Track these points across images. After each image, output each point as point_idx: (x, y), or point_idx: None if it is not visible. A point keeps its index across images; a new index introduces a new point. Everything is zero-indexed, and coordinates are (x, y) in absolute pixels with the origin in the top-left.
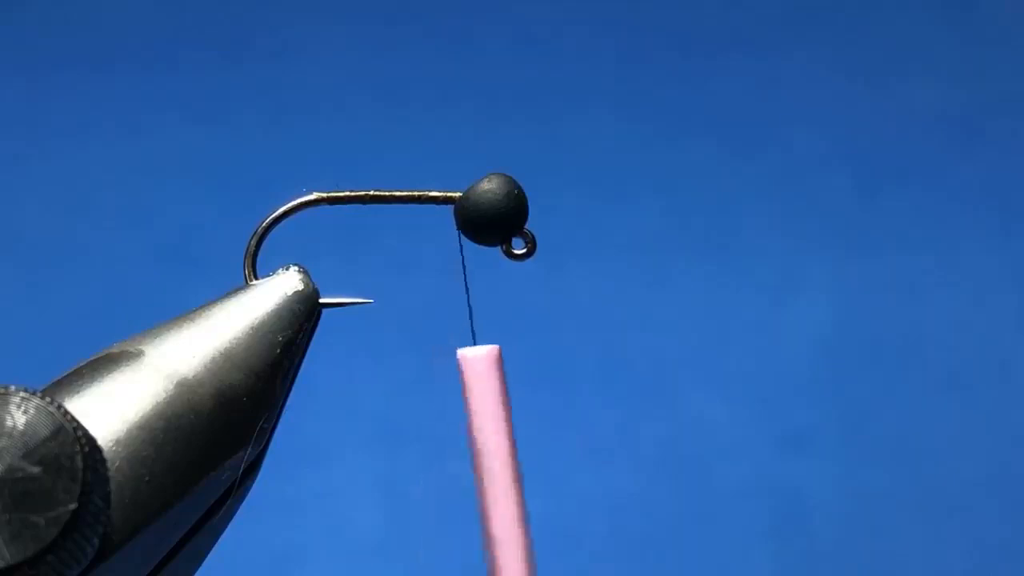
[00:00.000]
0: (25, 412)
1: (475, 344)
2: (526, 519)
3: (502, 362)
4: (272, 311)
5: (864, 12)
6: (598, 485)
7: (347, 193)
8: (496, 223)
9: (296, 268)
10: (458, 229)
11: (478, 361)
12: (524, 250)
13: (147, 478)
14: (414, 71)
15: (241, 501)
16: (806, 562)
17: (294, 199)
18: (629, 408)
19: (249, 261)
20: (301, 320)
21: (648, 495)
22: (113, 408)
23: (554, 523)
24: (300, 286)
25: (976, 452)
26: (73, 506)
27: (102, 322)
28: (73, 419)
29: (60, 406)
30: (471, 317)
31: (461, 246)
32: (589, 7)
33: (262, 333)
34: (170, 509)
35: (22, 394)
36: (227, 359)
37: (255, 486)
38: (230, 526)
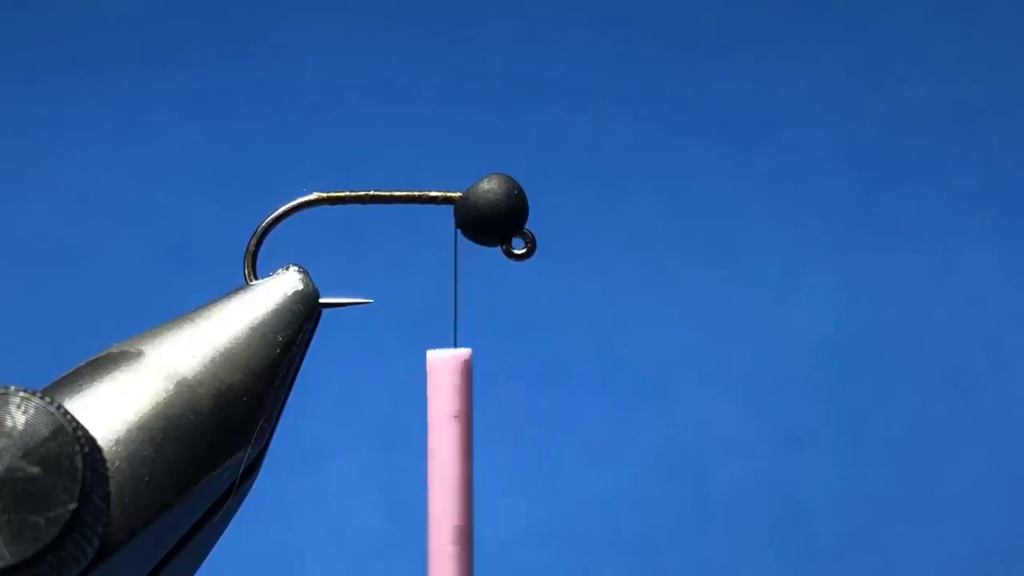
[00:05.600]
0: (25, 412)
1: (456, 345)
2: (469, 529)
3: (470, 367)
4: (272, 311)
5: (864, 12)
6: (598, 485)
7: (347, 193)
8: (496, 223)
9: (296, 268)
10: (458, 229)
11: (443, 363)
12: (524, 250)
13: (147, 478)
14: (414, 71)
15: (241, 501)
16: (806, 562)
17: (294, 199)
18: (629, 408)
19: (249, 261)
20: (301, 320)
21: (648, 495)
22: (113, 408)
23: (554, 523)
24: (300, 286)
25: (976, 452)
26: (73, 506)
27: (102, 322)
28: (73, 419)
29: (60, 406)
30: (456, 316)
31: (456, 246)
32: (589, 7)
33: (262, 333)
34: (170, 509)
35: (22, 394)
36: (227, 359)
37: (255, 486)
38: (230, 526)
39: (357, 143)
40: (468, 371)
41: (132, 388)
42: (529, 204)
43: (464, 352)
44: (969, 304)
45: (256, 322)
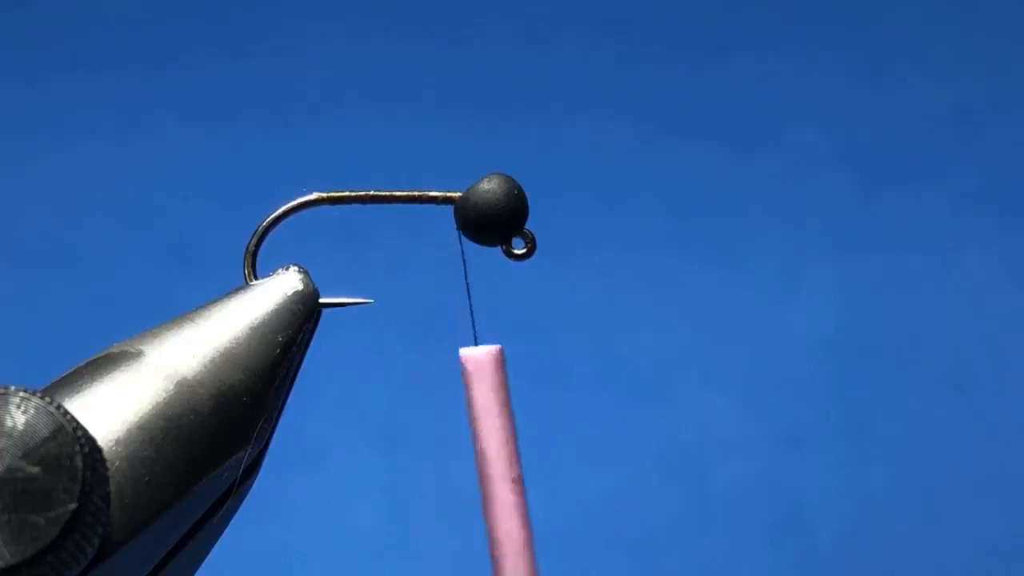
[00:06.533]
0: (25, 412)
1: (476, 343)
2: (528, 518)
3: (504, 362)
4: (272, 311)
5: (864, 12)
6: (598, 485)
7: (347, 193)
8: (496, 223)
9: (296, 268)
10: (458, 229)
11: (480, 361)
12: (524, 250)
13: (147, 478)
14: (414, 71)
15: (241, 501)
16: (806, 562)
17: (294, 199)
18: (629, 408)
19: (249, 261)
20: (301, 320)
21: (648, 495)
22: (113, 408)
23: (554, 523)
24: (300, 286)
25: (976, 452)
26: (73, 506)
27: (102, 322)
28: (73, 419)
29: (60, 406)
30: (472, 316)
31: (462, 246)
32: (589, 7)
33: (262, 333)
34: (170, 509)
35: (22, 394)
36: (227, 359)
37: (255, 486)
38: (230, 526)
39: (357, 143)
40: (503, 365)
41: (132, 388)
42: (529, 204)
43: (495, 348)
44: (969, 304)
45: (256, 322)
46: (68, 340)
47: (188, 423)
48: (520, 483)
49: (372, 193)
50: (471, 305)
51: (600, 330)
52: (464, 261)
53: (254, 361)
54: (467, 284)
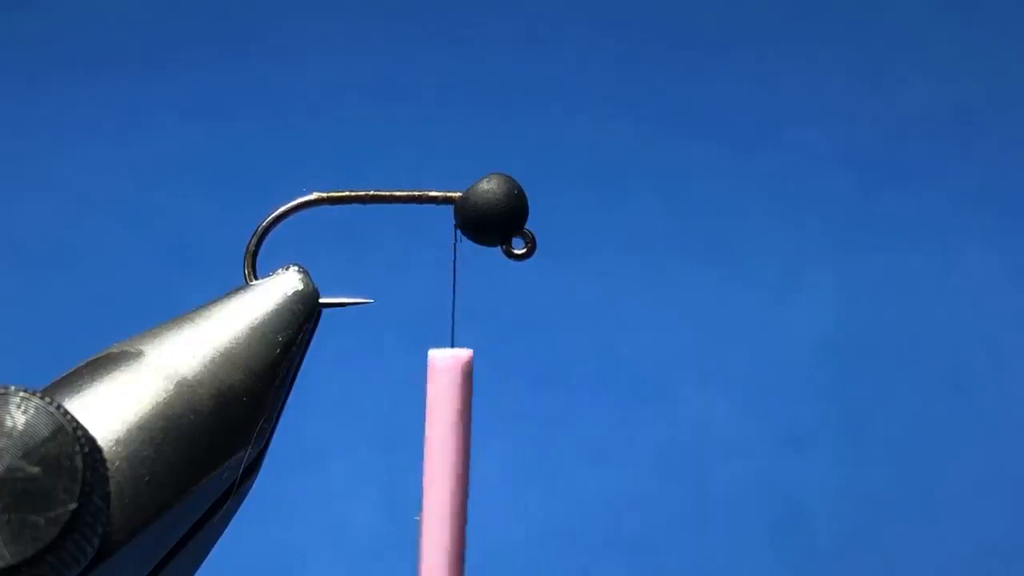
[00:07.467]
0: (25, 412)
1: (454, 345)
2: (463, 529)
3: (471, 368)
4: (272, 311)
5: (864, 12)
6: (598, 485)
7: (347, 193)
8: (496, 223)
9: (296, 268)
10: (458, 229)
11: (444, 363)
12: (524, 250)
13: (147, 478)
14: (414, 71)
15: (241, 501)
16: (806, 562)
17: (294, 199)
18: (629, 408)
19: (249, 261)
20: (301, 320)
21: (648, 495)
22: (113, 408)
23: (554, 523)
24: (300, 286)
25: (976, 452)
26: (73, 506)
27: (102, 322)
28: (73, 419)
29: (60, 406)
30: (453, 317)
31: (455, 246)
32: (589, 7)
33: (262, 333)
34: (170, 509)
35: (22, 394)
36: (227, 359)
37: (255, 486)
38: (230, 526)
39: (357, 143)
40: (469, 372)
41: (132, 388)
42: (529, 204)
43: (465, 353)
44: (969, 304)
45: (256, 322)
46: (68, 340)
47: (188, 423)
48: (463, 491)
49: (372, 193)
50: (454, 304)
51: (600, 330)
52: (455, 260)
53: (254, 361)
54: (454, 284)
